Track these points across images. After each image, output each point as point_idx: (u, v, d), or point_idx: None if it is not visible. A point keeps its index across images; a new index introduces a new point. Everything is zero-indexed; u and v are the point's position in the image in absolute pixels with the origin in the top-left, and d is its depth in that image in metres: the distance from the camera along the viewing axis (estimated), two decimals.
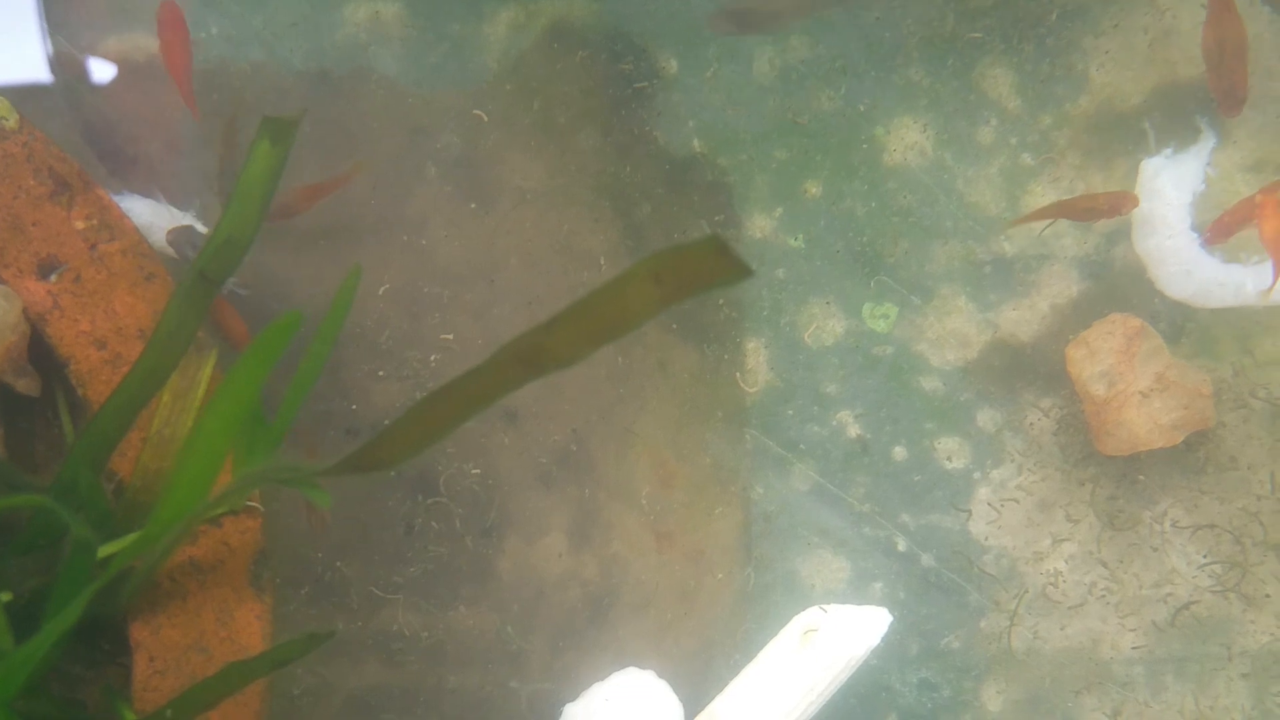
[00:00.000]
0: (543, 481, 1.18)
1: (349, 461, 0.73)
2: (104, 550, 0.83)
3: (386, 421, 1.17)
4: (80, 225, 0.85)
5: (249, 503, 0.87)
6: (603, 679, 1.13)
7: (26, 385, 0.87)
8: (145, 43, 1.16)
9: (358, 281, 0.79)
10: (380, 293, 1.18)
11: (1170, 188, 1.14)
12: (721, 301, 1.20)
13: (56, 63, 1.15)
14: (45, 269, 0.85)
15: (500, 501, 1.17)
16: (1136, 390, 1.10)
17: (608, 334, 0.66)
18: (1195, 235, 1.13)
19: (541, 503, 1.18)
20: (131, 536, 0.79)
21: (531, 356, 0.70)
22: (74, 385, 0.86)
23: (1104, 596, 1.15)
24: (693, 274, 0.62)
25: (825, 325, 1.20)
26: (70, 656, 0.90)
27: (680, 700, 1.12)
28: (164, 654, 0.84)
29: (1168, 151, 1.16)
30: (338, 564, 1.15)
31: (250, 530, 0.86)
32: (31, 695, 0.82)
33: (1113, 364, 1.11)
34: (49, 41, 1.15)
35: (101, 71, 1.16)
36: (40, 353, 0.88)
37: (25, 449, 0.92)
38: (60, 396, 0.91)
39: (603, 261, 1.20)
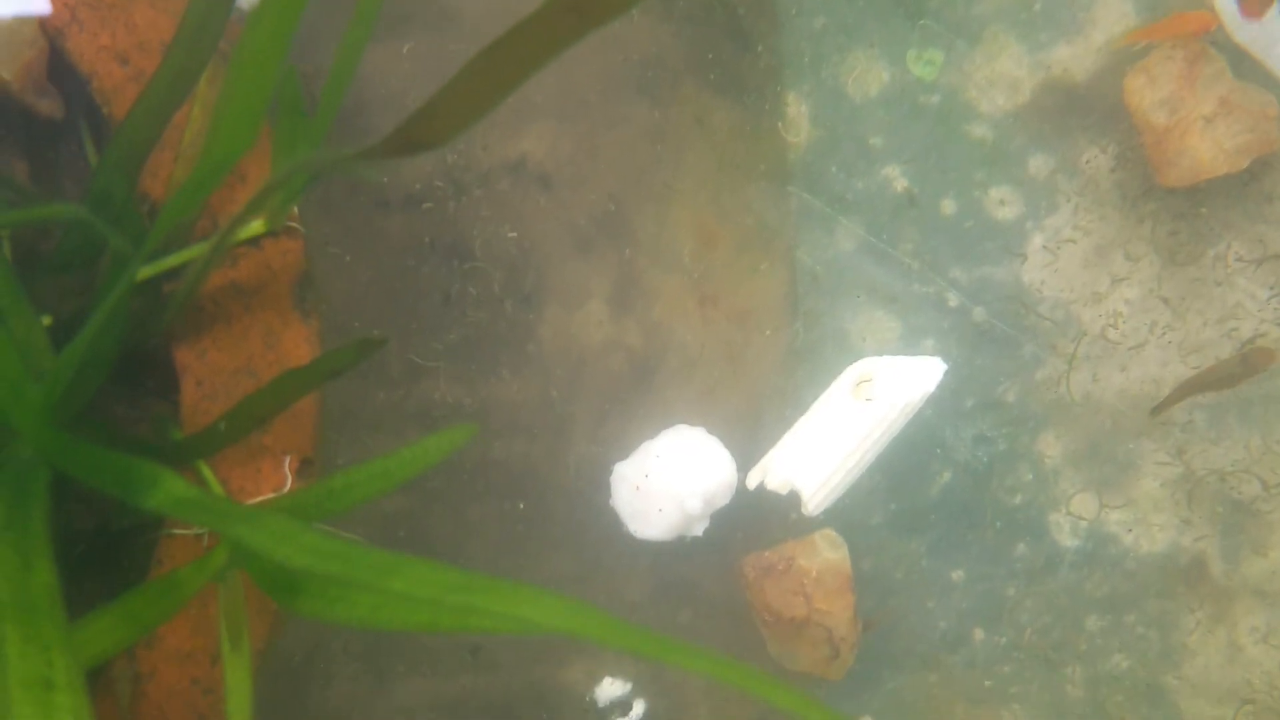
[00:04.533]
0: (581, 247, 1.14)
1: (396, 139, 0.69)
2: (142, 272, 0.80)
3: (418, 186, 1.14)
4: None
5: (289, 223, 0.83)
6: (651, 438, 1.10)
7: (48, 106, 0.83)
8: None
9: None
10: (405, 52, 1.13)
11: None
12: (760, 49, 1.15)
13: None
14: None
15: (538, 266, 1.13)
16: (1199, 115, 1.06)
17: None
18: None
19: (581, 269, 1.14)
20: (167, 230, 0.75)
21: (585, 3, 0.65)
22: (98, 104, 0.81)
23: (1165, 335, 1.12)
24: None
25: (868, 74, 1.15)
26: (115, 397, 0.87)
27: (732, 456, 1.10)
28: (211, 378, 0.81)
29: None
30: (375, 334, 1.12)
31: (292, 252, 0.83)
32: (79, 425, 0.80)
33: (1174, 90, 1.06)
34: None
35: None
36: (61, 74, 0.83)
37: (52, 182, 0.88)
38: (84, 126, 0.87)
39: None
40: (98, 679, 0.77)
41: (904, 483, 1.14)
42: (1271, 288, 1.11)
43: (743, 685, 0.45)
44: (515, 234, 1.13)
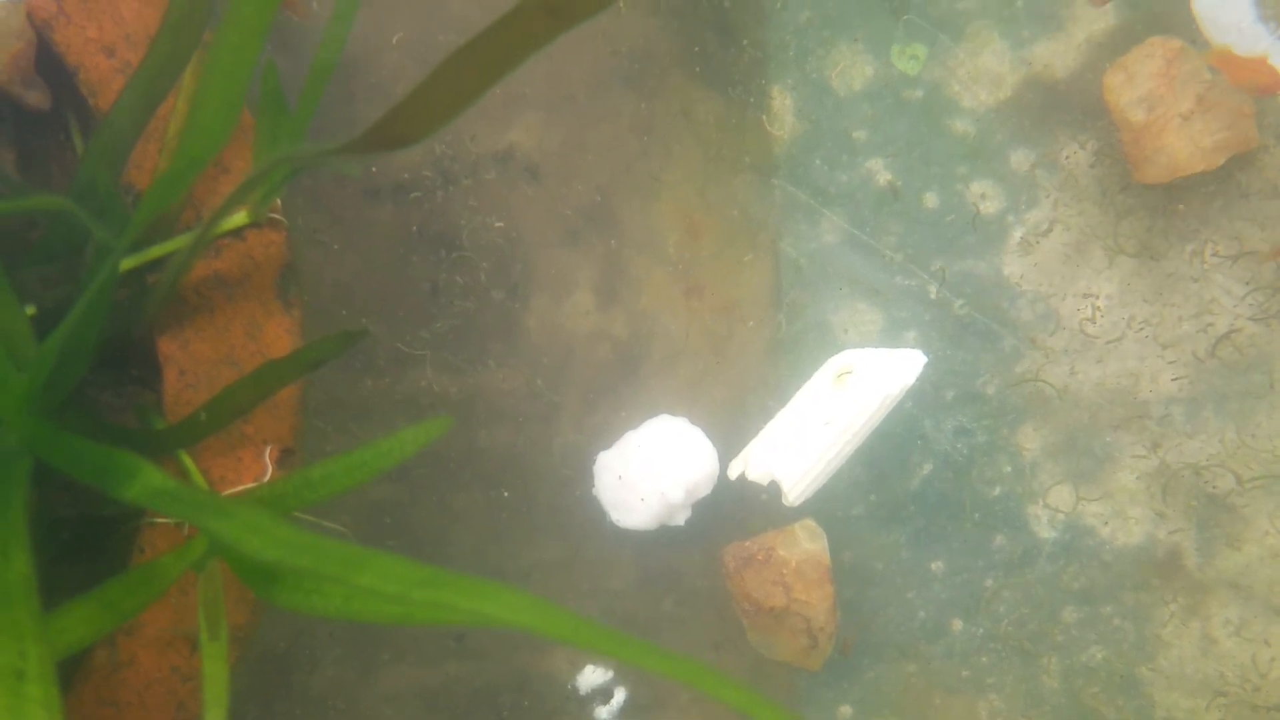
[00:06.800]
0: (568, 237, 1.15)
1: (373, 135, 0.70)
2: (126, 263, 0.81)
3: (406, 176, 1.14)
4: None
5: (272, 215, 0.84)
6: (635, 428, 1.12)
7: (36, 98, 0.84)
8: None
9: None
10: (394, 42, 1.14)
11: None
12: (745, 42, 1.15)
13: None
14: None
15: (525, 256, 1.14)
16: (1177, 113, 1.06)
17: None
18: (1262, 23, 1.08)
19: (567, 259, 1.15)
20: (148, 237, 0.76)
21: (561, 3, 0.66)
22: (85, 96, 0.82)
23: (1142, 330, 1.13)
24: None
25: (853, 68, 1.16)
26: (100, 386, 0.88)
27: (714, 447, 1.11)
28: (194, 368, 0.82)
29: None
30: (363, 323, 1.13)
31: (275, 243, 0.84)
32: (63, 414, 0.81)
33: (1152, 88, 1.07)
34: None
35: None
36: (49, 66, 0.84)
37: (40, 171, 0.89)
38: (71, 117, 0.88)
39: None
40: (78, 666, 0.78)
41: (884, 474, 1.15)
42: (1247, 283, 1.12)
43: (694, 683, 0.47)
44: (502, 224, 1.14)
